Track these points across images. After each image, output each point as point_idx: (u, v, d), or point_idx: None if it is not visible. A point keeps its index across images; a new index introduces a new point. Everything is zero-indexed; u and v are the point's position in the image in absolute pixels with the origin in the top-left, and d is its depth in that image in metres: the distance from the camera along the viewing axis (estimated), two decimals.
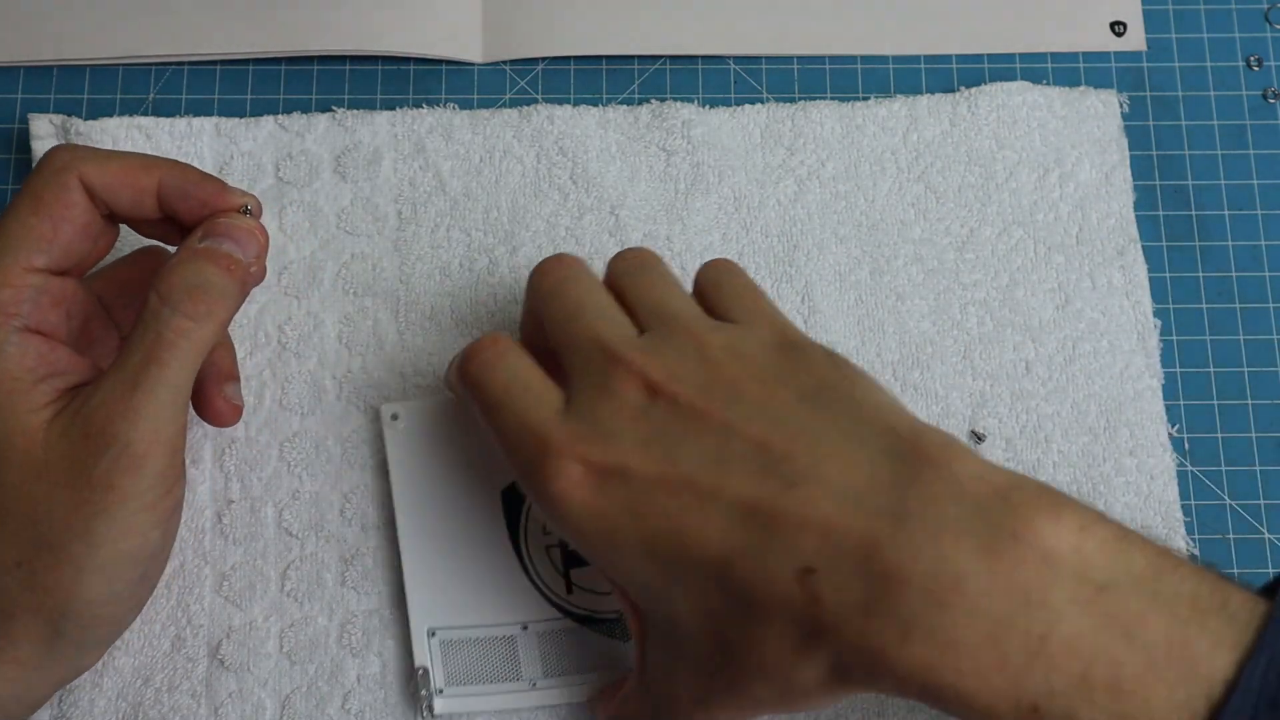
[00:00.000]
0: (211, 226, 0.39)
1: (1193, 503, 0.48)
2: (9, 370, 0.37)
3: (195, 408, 0.43)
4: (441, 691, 0.42)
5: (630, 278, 0.41)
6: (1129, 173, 0.51)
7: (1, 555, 0.37)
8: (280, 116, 0.51)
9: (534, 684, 0.43)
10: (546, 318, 0.40)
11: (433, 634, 0.43)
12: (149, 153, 0.41)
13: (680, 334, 0.38)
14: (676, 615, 0.35)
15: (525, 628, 0.43)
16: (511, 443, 0.37)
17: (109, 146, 0.49)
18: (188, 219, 0.40)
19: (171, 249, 0.41)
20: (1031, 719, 0.30)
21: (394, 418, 0.45)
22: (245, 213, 0.40)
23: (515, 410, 0.37)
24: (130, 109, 0.52)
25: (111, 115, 0.51)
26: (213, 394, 0.43)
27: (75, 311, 0.40)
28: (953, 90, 0.52)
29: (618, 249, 0.49)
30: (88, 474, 0.36)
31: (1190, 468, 0.48)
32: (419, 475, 0.44)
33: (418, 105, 0.52)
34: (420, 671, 0.42)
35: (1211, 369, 0.50)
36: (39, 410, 0.37)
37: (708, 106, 0.52)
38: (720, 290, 0.41)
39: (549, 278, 0.41)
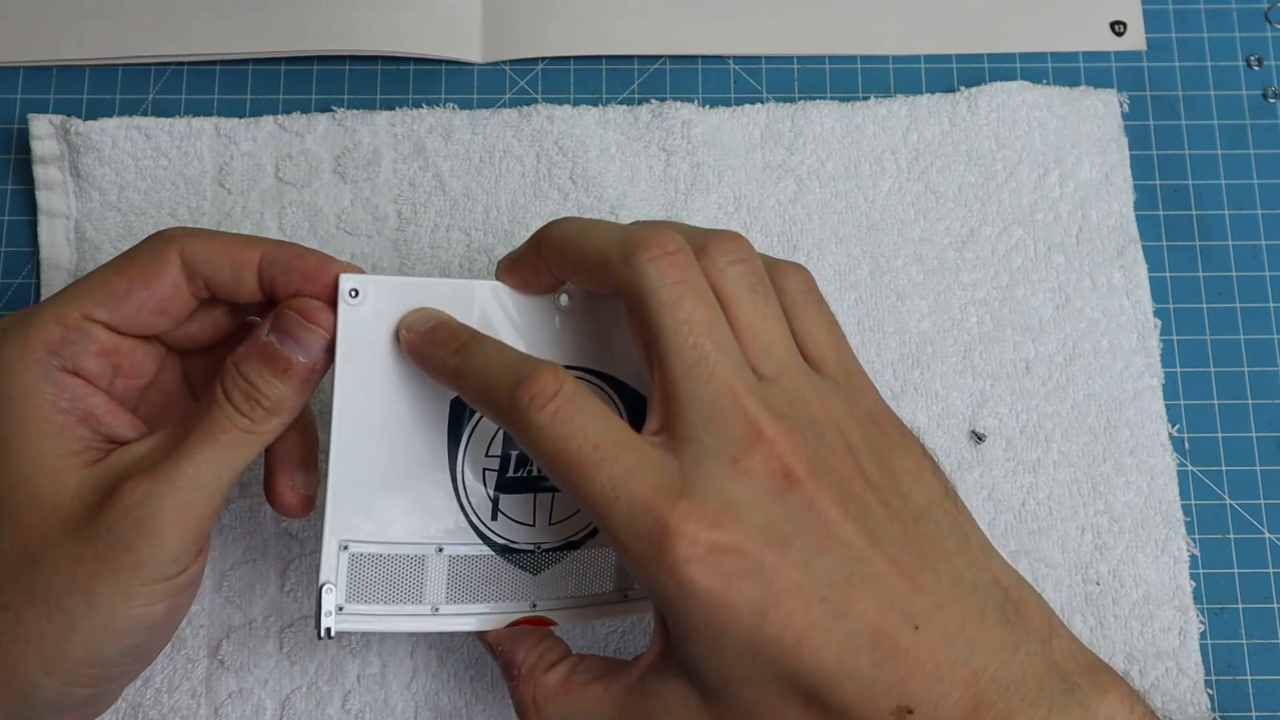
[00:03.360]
0: (279, 319, 0.37)
1: (1193, 502, 0.48)
2: (40, 408, 0.36)
3: (265, 492, 0.41)
4: (341, 609, 0.37)
5: (745, 291, 0.36)
6: (1129, 172, 0.51)
7: None
8: (280, 116, 0.51)
9: (435, 608, 0.39)
10: (656, 326, 0.35)
11: (345, 547, 0.38)
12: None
13: (797, 398, 0.35)
14: (738, 703, 0.34)
15: (440, 549, 0.39)
16: (610, 510, 0.33)
17: (109, 147, 0.49)
18: (288, 293, 0.37)
19: None
20: None
21: (353, 294, 0.38)
22: (352, 295, 0.37)
23: (614, 475, 0.33)
24: (130, 109, 0.52)
25: (111, 115, 0.51)
26: (281, 483, 0.40)
27: (131, 370, 0.38)
28: (953, 90, 0.52)
29: None
30: (105, 531, 0.35)
31: (1190, 467, 0.48)
32: (369, 365, 0.38)
33: (418, 105, 0.51)
34: (323, 586, 0.37)
35: (1211, 369, 0.50)
36: (70, 456, 0.36)
37: (708, 106, 0.52)
38: (806, 322, 0.38)
39: (667, 271, 0.35)
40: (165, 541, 0.35)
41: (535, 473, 0.40)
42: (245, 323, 0.41)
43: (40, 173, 0.50)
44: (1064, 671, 0.35)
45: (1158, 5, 0.54)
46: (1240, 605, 0.47)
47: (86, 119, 0.50)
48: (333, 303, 0.37)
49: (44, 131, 0.50)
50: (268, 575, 0.46)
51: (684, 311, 0.34)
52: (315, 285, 0.37)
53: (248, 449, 0.36)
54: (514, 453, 0.40)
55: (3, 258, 0.50)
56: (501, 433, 0.40)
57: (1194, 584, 0.46)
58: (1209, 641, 0.46)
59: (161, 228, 0.49)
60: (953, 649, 0.34)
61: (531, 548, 0.40)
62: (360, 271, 0.38)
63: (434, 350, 0.37)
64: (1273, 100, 0.53)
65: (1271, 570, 0.47)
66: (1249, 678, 0.46)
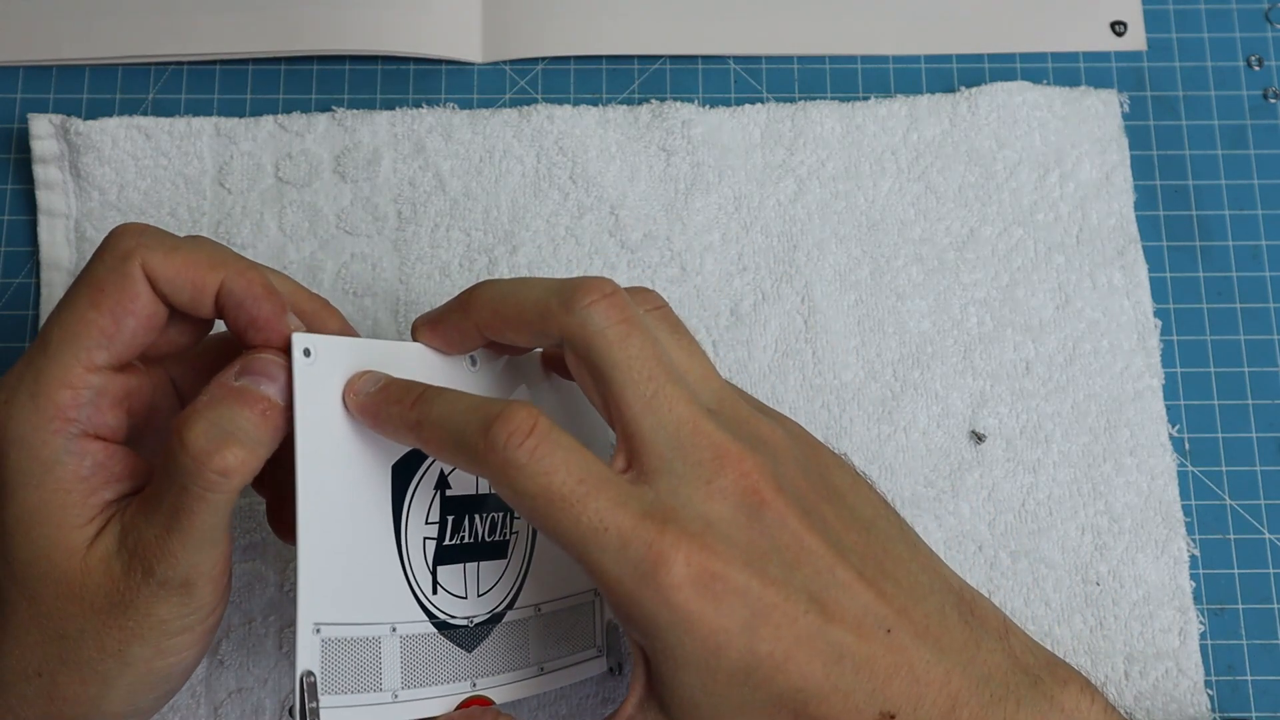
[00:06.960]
0: (251, 363, 0.35)
1: (1193, 503, 0.48)
2: (62, 481, 0.34)
3: (272, 523, 0.40)
4: (318, 706, 0.35)
5: (667, 333, 0.38)
6: (1129, 172, 0.51)
7: (22, 663, 0.35)
8: (280, 116, 0.51)
9: (395, 695, 0.37)
10: (608, 365, 0.35)
11: (318, 630, 0.35)
12: (213, 247, 0.37)
13: (742, 422, 0.36)
14: None
15: (394, 629, 0.37)
16: (599, 543, 0.33)
17: (109, 146, 0.50)
18: (235, 331, 0.36)
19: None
20: None
21: (306, 353, 0.36)
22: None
23: (601, 507, 0.33)
24: (130, 109, 0.52)
25: (111, 115, 0.51)
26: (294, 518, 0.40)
27: (138, 407, 0.37)
28: (953, 90, 0.52)
29: (618, 249, 0.49)
30: (125, 603, 0.34)
31: (1190, 468, 0.48)
32: (326, 427, 0.36)
33: (418, 105, 0.52)
34: (305, 676, 0.35)
35: (1211, 369, 0.50)
36: (84, 526, 0.35)
37: (708, 106, 0.52)
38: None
39: (609, 312, 0.35)
40: (185, 602, 0.35)
41: (470, 539, 0.39)
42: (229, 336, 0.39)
43: (40, 172, 0.50)
44: (1025, 666, 0.36)
45: (1158, 5, 0.54)
46: (1240, 605, 0.47)
47: (86, 119, 0.50)
48: (286, 358, 0.36)
49: (44, 131, 0.50)
50: (267, 575, 0.46)
51: (634, 348, 0.35)
52: (262, 337, 0.36)
53: (225, 501, 0.34)
54: (450, 517, 0.39)
55: (3, 258, 0.50)
56: (438, 497, 0.39)
57: (1194, 584, 0.46)
58: (1209, 642, 0.46)
59: (162, 228, 0.49)
60: (924, 650, 0.35)
61: (465, 622, 0.39)
62: (304, 329, 0.36)
63: (389, 406, 0.36)
64: (1273, 100, 0.53)
65: (1271, 570, 0.47)
66: (1249, 678, 0.46)
